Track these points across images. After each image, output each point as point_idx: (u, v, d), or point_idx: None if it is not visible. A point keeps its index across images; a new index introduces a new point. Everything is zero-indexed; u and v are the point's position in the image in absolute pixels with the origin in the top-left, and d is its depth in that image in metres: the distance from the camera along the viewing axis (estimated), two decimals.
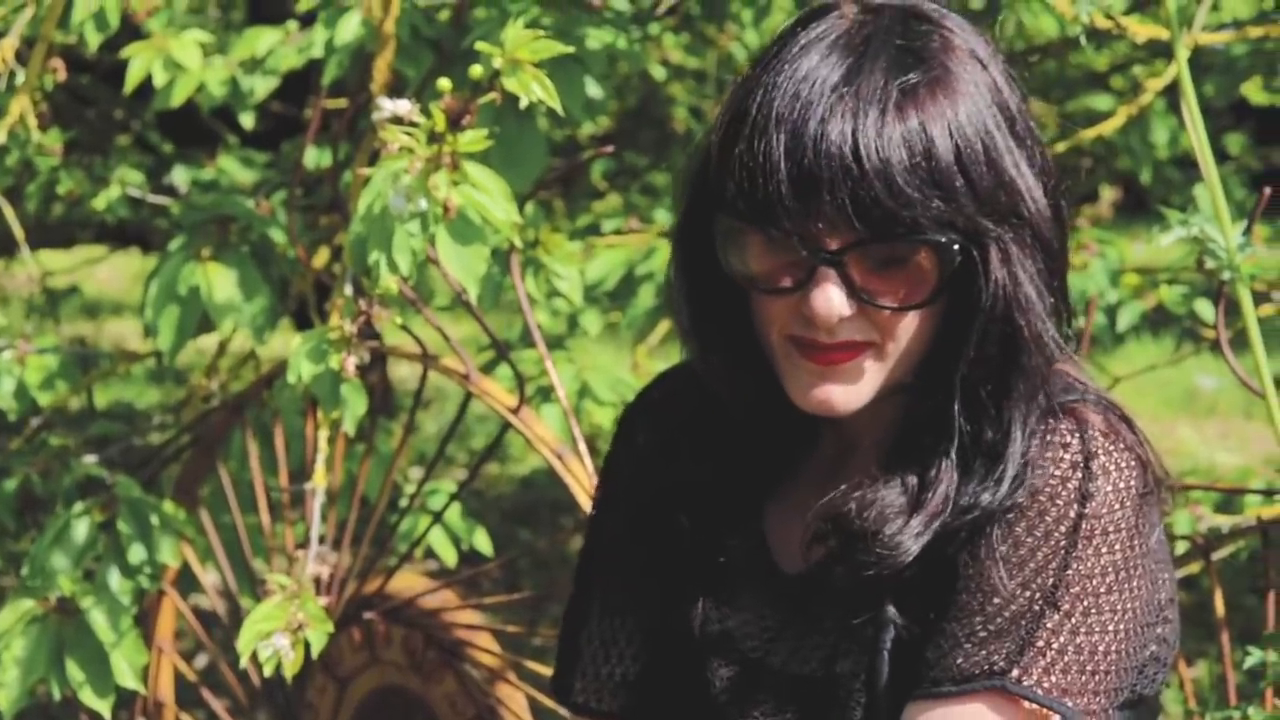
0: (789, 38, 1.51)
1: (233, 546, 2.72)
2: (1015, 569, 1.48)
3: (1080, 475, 1.48)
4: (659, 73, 4.89)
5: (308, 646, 2.00)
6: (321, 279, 2.76)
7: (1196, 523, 2.41)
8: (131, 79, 2.91)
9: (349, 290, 2.39)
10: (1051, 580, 1.47)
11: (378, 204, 1.95)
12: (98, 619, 2.25)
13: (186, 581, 2.75)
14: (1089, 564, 1.47)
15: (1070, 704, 1.46)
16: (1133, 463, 1.50)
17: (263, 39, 3.09)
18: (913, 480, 1.52)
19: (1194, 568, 2.16)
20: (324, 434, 2.36)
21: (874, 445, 1.58)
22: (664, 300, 1.69)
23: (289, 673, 1.93)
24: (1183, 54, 1.84)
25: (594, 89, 2.60)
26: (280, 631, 1.94)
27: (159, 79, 2.92)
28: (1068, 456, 1.49)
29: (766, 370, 1.56)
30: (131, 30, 3.30)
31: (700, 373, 1.64)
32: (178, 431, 2.72)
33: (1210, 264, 1.83)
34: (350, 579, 2.45)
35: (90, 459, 2.68)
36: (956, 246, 1.45)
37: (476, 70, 1.88)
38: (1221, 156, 6.30)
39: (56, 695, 2.21)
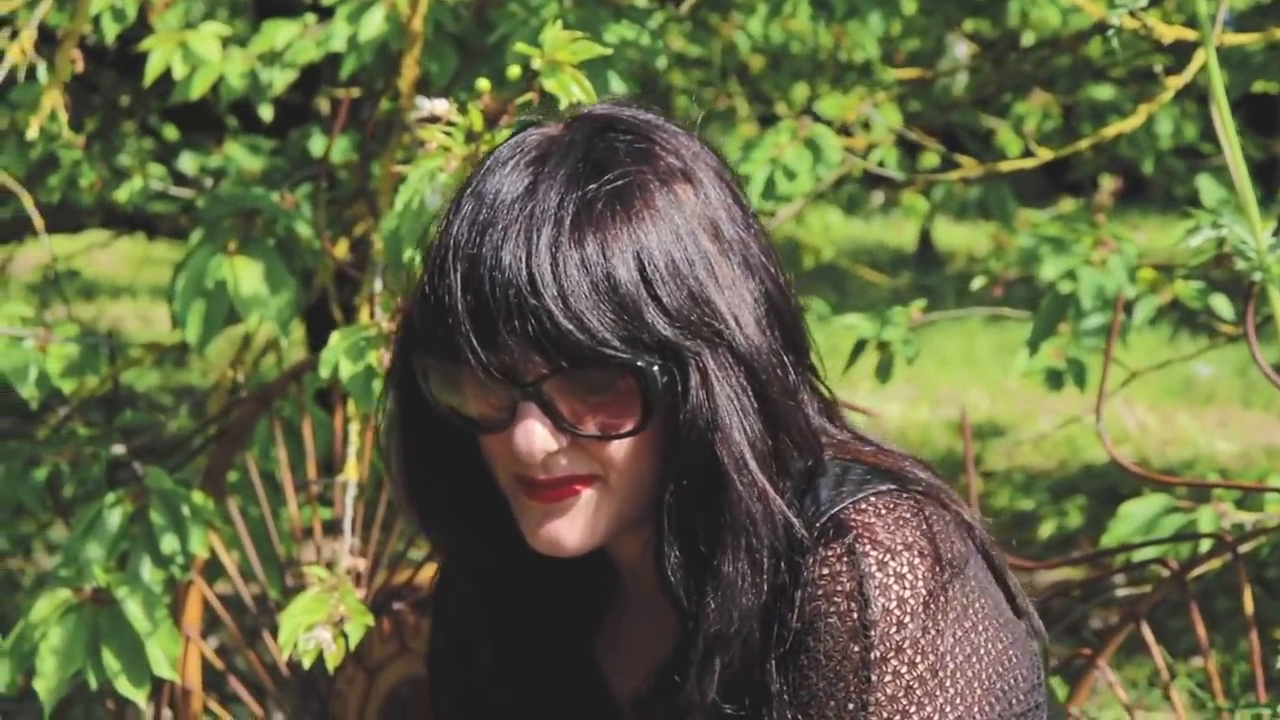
0: (486, 158, 1.41)
1: (258, 534, 2.74)
2: (814, 716, 1.38)
3: (857, 606, 1.35)
4: (662, 61, 4.89)
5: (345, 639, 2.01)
6: (343, 270, 2.78)
7: (1220, 519, 2.45)
8: (152, 71, 2.92)
9: (378, 285, 2.41)
10: None
11: (414, 201, 1.97)
12: (132, 609, 2.26)
13: (210, 568, 2.77)
14: (890, 689, 1.36)
15: None
16: (915, 563, 1.36)
17: (281, 32, 3.09)
18: (688, 633, 1.41)
19: (1216, 564, 2.19)
20: (354, 426, 2.38)
21: (653, 583, 1.46)
22: (383, 450, 1.58)
23: (331, 665, 1.95)
24: (1213, 56, 1.86)
25: (618, 84, 2.63)
26: (322, 624, 1.96)
27: (179, 71, 2.94)
28: (840, 588, 1.36)
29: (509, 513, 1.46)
30: (142, 20, 3.31)
31: (426, 533, 1.55)
32: (205, 422, 2.74)
33: (1241, 265, 1.86)
34: (380, 570, 2.48)
35: (119, 449, 2.70)
36: (656, 369, 1.33)
37: (515, 71, 1.90)
38: (1217, 146, 6.33)
39: (94, 685, 2.22)
